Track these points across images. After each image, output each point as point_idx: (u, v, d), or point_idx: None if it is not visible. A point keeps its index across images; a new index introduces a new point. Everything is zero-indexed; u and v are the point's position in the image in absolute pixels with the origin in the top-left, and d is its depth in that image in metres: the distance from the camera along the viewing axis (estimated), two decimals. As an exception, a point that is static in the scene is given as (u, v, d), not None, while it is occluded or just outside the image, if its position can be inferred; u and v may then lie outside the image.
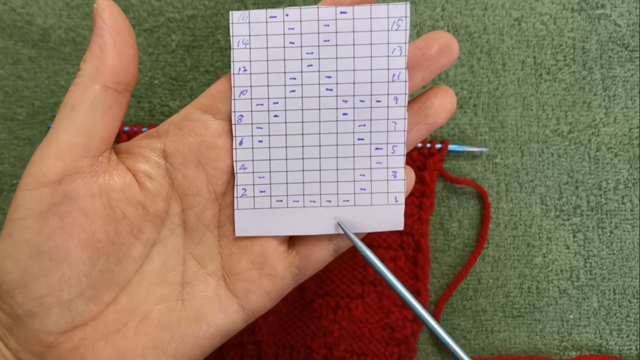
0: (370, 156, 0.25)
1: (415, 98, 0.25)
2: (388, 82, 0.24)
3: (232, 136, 0.24)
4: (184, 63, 0.36)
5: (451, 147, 0.35)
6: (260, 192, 0.25)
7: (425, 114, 0.25)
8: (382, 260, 0.35)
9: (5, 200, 0.36)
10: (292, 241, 0.26)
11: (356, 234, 0.25)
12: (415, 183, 0.35)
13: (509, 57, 0.36)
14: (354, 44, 0.24)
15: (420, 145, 0.35)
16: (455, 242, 0.36)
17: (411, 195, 0.35)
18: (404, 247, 0.35)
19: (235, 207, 0.25)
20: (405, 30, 0.24)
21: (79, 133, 0.22)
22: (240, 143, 0.24)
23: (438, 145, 0.35)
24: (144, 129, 0.34)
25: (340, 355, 0.35)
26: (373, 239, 0.35)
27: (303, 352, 0.35)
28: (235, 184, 0.25)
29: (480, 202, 0.36)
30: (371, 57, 0.24)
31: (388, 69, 0.24)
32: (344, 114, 0.24)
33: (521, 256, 0.36)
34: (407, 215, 0.35)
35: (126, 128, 0.35)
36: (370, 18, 0.24)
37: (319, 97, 0.24)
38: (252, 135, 0.24)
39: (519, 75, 0.36)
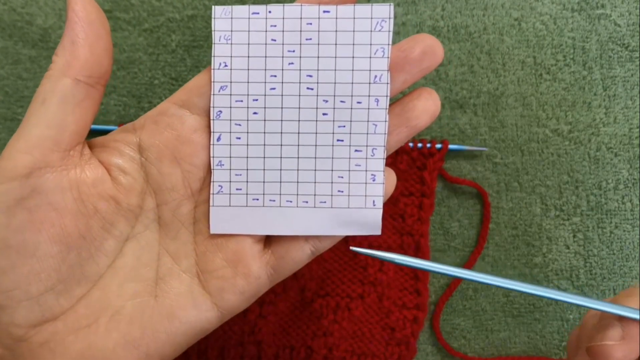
0: (349, 158, 0.24)
1: (397, 100, 0.25)
2: (369, 83, 0.24)
3: (208, 132, 0.24)
4: (184, 63, 0.36)
5: (451, 146, 0.35)
6: (237, 189, 0.24)
7: (407, 117, 0.24)
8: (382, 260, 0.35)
9: (5, 201, 0.36)
10: (268, 241, 0.26)
11: (332, 238, 0.25)
12: (415, 183, 0.35)
13: (509, 57, 0.36)
14: (336, 44, 0.23)
15: (420, 145, 0.35)
16: (455, 242, 0.36)
17: (411, 195, 0.35)
18: (404, 247, 0.35)
19: (211, 203, 0.24)
20: (389, 31, 0.23)
21: (48, 127, 0.21)
22: (218, 139, 0.24)
23: (438, 145, 0.35)
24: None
25: (341, 356, 0.35)
26: (374, 240, 0.35)
27: (303, 352, 0.35)
28: (212, 180, 0.24)
29: (480, 202, 0.36)
30: (353, 57, 0.24)
31: (370, 70, 0.24)
32: (324, 114, 0.24)
33: (521, 256, 0.36)
34: (408, 215, 0.35)
35: (126, 128, 0.35)
36: (354, 18, 0.23)
37: (299, 96, 0.24)
38: (230, 132, 0.24)
39: (519, 75, 0.36)
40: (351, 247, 0.24)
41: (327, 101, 0.24)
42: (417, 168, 0.35)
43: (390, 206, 0.35)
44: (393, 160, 0.35)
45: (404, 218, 0.35)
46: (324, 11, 0.23)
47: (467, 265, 0.36)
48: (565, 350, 0.37)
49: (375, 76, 0.24)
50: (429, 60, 0.24)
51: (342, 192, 0.25)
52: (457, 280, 0.36)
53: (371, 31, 0.23)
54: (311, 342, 0.35)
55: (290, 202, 0.25)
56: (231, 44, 0.23)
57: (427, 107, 0.25)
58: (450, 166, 0.36)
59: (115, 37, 0.35)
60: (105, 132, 0.35)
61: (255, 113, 0.24)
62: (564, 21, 0.36)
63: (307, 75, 0.24)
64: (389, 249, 0.35)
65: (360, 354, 0.36)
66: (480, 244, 0.36)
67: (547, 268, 0.36)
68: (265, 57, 0.24)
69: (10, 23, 0.35)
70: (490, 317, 0.37)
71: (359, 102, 0.24)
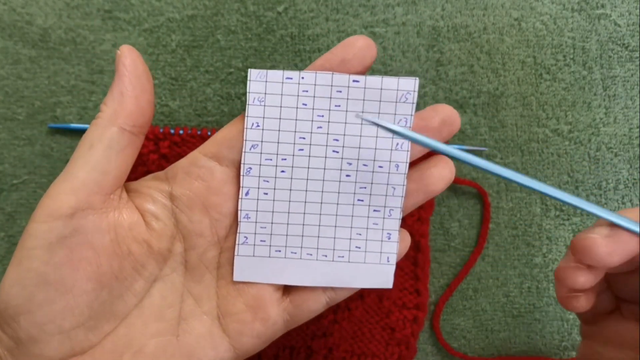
0: (368, 217, 0.26)
1: (416, 166, 0.26)
2: (391, 150, 0.25)
3: (236, 183, 0.25)
4: (183, 63, 0.36)
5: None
6: (261, 241, 0.26)
7: (424, 183, 0.26)
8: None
9: (5, 200, 0.36)
10: (287, 289, 0.27)
11: (348, 290, 0.27)
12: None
13: (508, 56, 0.36)
14: (362, 112, 0.25)
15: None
16: (455, 242, 0.36)
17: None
18: (404, 247, 0.35)
19: (236, 253, 0.26)
20: (413, 103, 0.25)
21: (94, 171, 0.23)
22: (247, 194, 0.25)
23: (438, 145, 0.35)
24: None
25: (341, 356, 0.35)
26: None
27: (303, 352, 0.35)
28: (238, 231, 0.26)
29: (480, 202, 0.36)
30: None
31: (392, 137, 0.25)
32: (347, 176, 0.26)
33: (521, 256, 0.36)
34: (408, 215, 0.35)
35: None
36: (381, 89, 0.25)
37: (325, 157, 0.25)
38: (258, 187, 0.25)
39: (519, 75, 0.36)
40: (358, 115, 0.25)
41: (350, 164, 0.25)
42: (417, 168, 0.35)
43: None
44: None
45: (404, 218, 0.35)
46: (354, 80, 0.25)
47: (468, 265, 0.36)
48: (565, 350, 0.37)
49: (397, 144, 0.25)
50: (447, 130, 0.25)
51: (359, 248, 0.26)
52: (457, 279, 0.36)
53: (396, 102, 0.25)
54: (311, 342, 0.35)
55: (311, 255, 0.26)
56: (264, 105, 0.25)
57: (443, 175, 0.26)
58: (450, 166, 0.36)
59: (115, 37, 0.35)
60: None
61: (283, 171, 0.25)
62: (564, 21, 0.36)
63: (334, 139, 0.25)
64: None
65: (360, 354, 0.36)
66: (480, 243, 0.36)
67: (547, 268, 0.36)
68: (296, 120, 0.25)
69: (10, 23, 0.35)
70: (490, 317, 0.37)
71: (380, 167, 0.26)
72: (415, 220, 0.35)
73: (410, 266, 0.36)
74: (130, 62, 0.23)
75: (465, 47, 0.36)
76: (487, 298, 0.36)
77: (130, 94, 0.23)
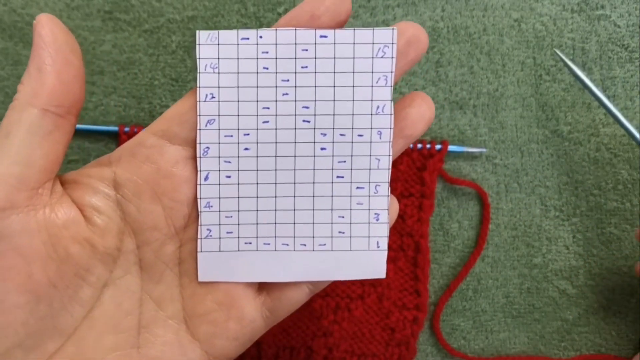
0: (351, 196, 0.23)
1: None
2: (371, 114, 0.22)
3: (191, 164, 0.22)
4: (184, 64, 0.36)
5: (451, 147, 0.35)
6: (227, 233, 0.22)
7: (401, 127, 0.22)
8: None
9: (5, 201, 0.36)
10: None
11: (332, 283, 0.24)
12: (415, 184, 0.35)
13: (508, 57, 0.36)
14: (334, 72, 0.22)
15: (420, 146, 0.35)
16: (455, 243, 0.36)
17: (411, 196, 0.35)
18: (403, 248, 0.35)
19: (199, 249, 0.22)
20: (392, 58, 0.21)
21: (13, 163, 0.19)
22: (206, 178, 0.22)
23: (438, 146, 0.35)
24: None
25: (341, 356, 0.35)
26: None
27: (303, 352, 0.35)
28: (200, 223, 0.22)
29: (480, 203, 0.36)
30: (353, 86, 0.22)
31: (372, 100, 0.22)
32: (322, 149, 0.22)
33: (521, 256, 0.36)
34: (408, 216, 0.35)
35: (126, 129, 0.35)
36: (354, 43, 0.21)
37: (295, 129, 0.22)
38: (219, 170, 0.22)
39: (519, 76, 0.36)
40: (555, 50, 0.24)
41: (325, 135, 0.22)
42: (416, 169, 0.35)
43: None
44: (393, 161, 0.35)
45: (404, 219, 0.35)
46: (321, 36, 0.21)
47: (467, 265, 0.36)
48: (565, 350, 0.37)
49: (378, 107, 0.22)
50: (415, 50, 0.22)
51: (343, 233, 0.23)
52: (457, 280, 0.36)
53: (373, 58, 0.21)
54: (311, 342, 0.35)
55: (287, 245, 0.23)
56: (218, 73, 0.21)
57: (421, 113, 0.23)
58: (450, 167, 0.36)
59: (115, 38, 0.35)
60: (105, 133, 0.35)
61: (246, 149, 0.22)
62: (563, 22, 0.36)
63: (303, 107, 0.22)
64: (388, 250, 0.35)
65: (360, 354, 0.36)
66: (480, 244, 0.36)
67: (547, 268, 0.36)
68: (257, 87, 0.22)
69: (11, 24, 0.35)
70: (490, 317, 0.37)
71: (360, 135, 0.22)
72: (415, 221, 0.35)
73: (410, 267, 0.36)
74: (48, 31, 0.20)
75: (465, 48, 0.36)
76: (486, 299, 0.37)
77: (49, 69, 0.20)
